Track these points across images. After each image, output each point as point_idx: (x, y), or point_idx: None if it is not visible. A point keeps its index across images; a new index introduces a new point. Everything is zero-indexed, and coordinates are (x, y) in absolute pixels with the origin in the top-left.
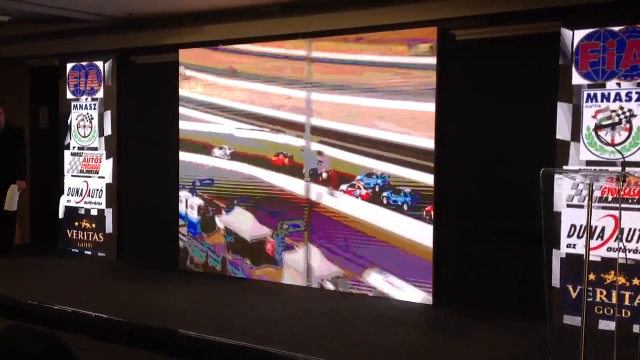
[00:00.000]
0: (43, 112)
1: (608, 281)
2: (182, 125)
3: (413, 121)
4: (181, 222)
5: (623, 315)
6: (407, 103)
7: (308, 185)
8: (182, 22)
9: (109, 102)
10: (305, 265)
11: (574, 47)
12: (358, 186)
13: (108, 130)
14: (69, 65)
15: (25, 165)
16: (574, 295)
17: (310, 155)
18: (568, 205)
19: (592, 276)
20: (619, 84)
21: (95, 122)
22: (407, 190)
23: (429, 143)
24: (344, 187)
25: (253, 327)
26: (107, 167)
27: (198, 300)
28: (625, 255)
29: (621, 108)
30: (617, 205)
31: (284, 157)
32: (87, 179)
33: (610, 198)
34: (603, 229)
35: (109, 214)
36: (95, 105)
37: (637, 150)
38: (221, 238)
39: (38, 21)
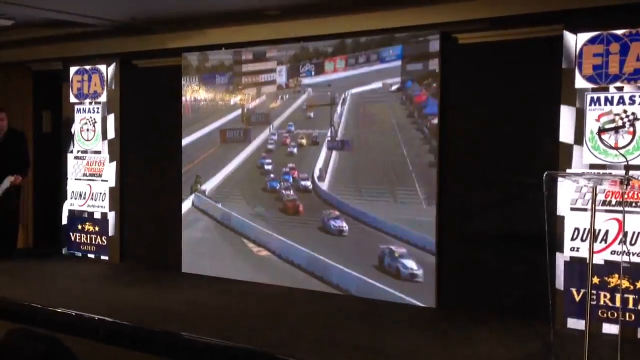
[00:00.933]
0: (46, 116)
1: (612, 284)
2: None
3: None
4: None
5: (627, 318)
6: None
7: None
8: (185, 26)
9: (112, 105)
10: None
11: (577, 50)
12: None
13: (111, 134)
14: (73, 69)
15: (29, 166)
16: (577, 298)
17: None
18: (571, 209)
19: (595, 280)
20: (622, 88)
21: (98, 125)
22: None
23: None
24: None
25: (253, 330)
26: (110, 171)
27: (201, 303)
28: (630, 258)
29: (625, 111)
30: (621, 208)
31: None
32: (90, 183)
33: (614, 201)
34: (607, 232)
35: (112, 217)
36: (98, 109)
37: None
38: None
39: (41, 25)
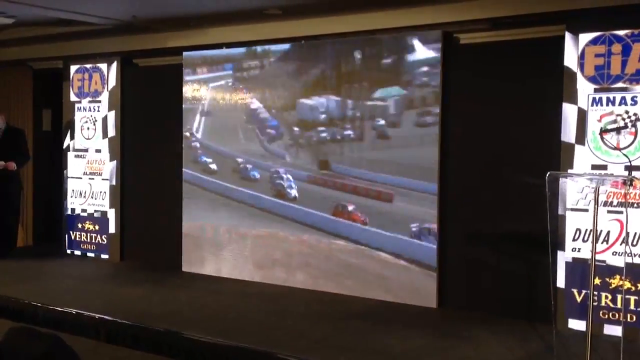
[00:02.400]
0: (46, 114)
1: (613, 285)
2: None
3: None
4: None
5: (629, 319)
6: None
7: None
8: (186, 25)
9: (112, 104)
10: None
11: (579, 51)
12: None
13: (112, 132)
14: (73, 68)
15: (27, 159)
16: (579, 299)
17: None
18: (573, 209)
19: (597, 280)
20: (624, 88)
21: (99, 124)
22: None
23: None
24: None
25: (255, 329)
26: (110, 169)
27: (201, 303)
28: (632, 259)
29: (626, 112)
30: (623, 209)
31: None
32: (90, 181)
33: (615, 202)
34: (608, 232)
35: (112, 215)
36: (99, 107)
37: None
38: None
39: (42, 24)
